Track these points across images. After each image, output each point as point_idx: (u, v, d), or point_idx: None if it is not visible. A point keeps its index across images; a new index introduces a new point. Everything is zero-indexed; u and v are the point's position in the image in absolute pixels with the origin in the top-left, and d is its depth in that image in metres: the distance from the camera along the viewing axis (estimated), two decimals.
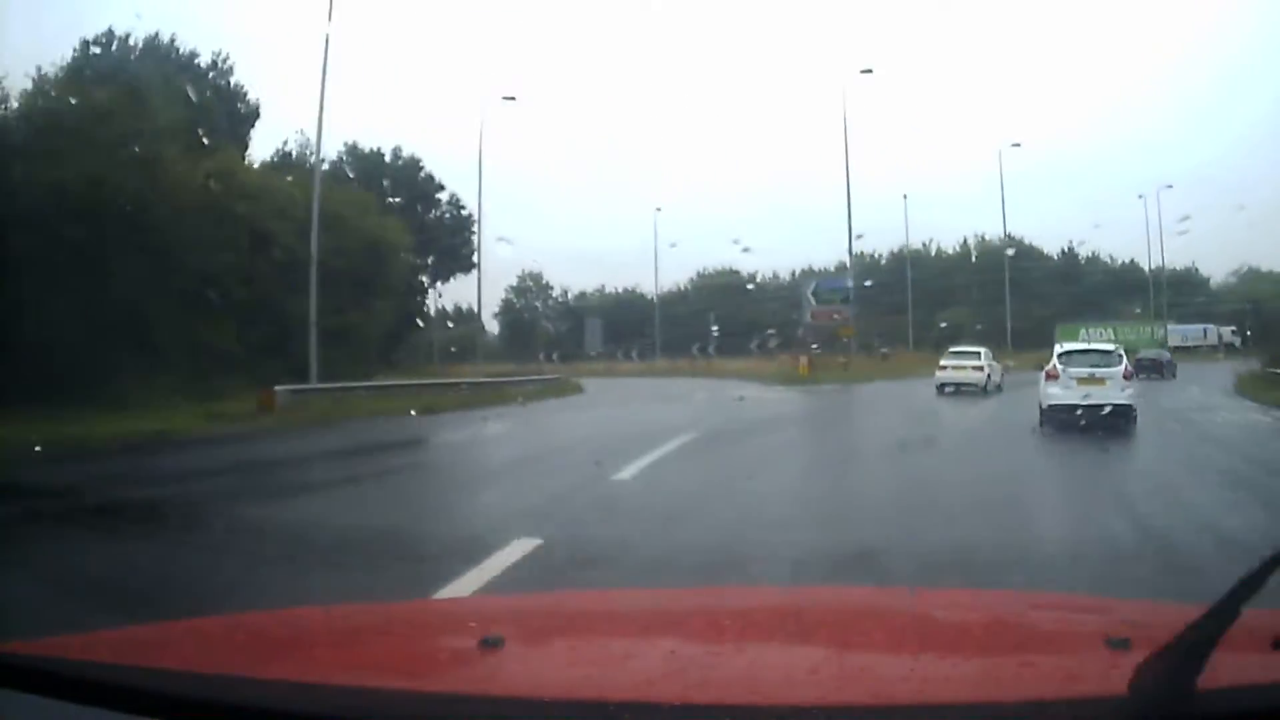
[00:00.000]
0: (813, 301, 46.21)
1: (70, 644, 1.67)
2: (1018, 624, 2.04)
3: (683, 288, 62.61)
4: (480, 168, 41.07)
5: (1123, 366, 14.84)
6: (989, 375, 25.77)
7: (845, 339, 42.90)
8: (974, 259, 60.78)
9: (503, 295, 60.98)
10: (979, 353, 26.94)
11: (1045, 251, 61.03)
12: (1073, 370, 14.74)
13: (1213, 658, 1.18)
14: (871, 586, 4.64)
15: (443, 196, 45.31)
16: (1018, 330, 46.70)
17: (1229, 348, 49.90)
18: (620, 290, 64.01)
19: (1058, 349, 16.62)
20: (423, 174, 45.18)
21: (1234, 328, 52.57)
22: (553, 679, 1.56)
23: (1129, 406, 14.27)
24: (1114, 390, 14.40)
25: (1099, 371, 14.72)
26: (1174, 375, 34.06)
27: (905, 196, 59.77)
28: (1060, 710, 1.24)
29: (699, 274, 63.23)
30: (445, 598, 4.41)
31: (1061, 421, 14.18)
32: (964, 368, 26.03)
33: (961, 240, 63.51)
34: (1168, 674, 1.18)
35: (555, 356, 49.18)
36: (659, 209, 61.52)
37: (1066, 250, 61.47)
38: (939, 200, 79.63)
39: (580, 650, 1.84)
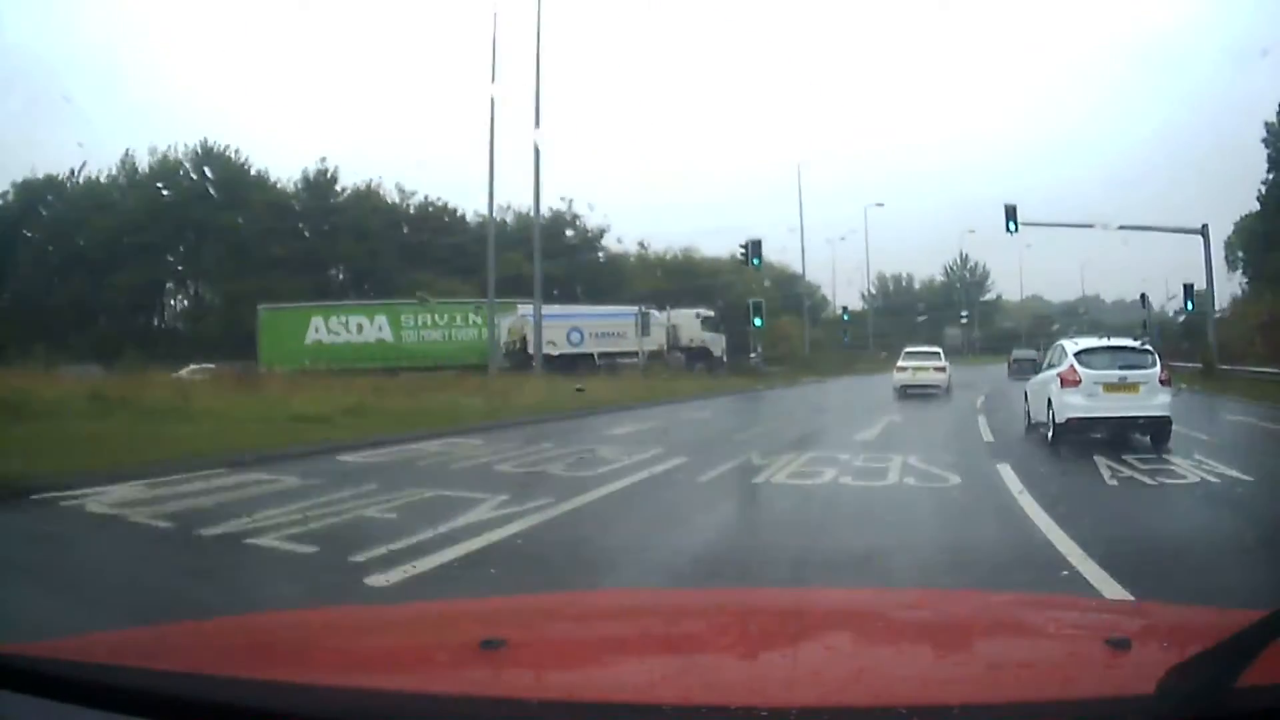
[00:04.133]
0: None
1: (69, 645, 1.67)
2: (1018, 624, 2.04)
3: None
4: None
5: (1158, 369, 12.20)
6: (949, 376, 24.84)
7: None
8: (169, 197, 40.25)
9: None
10: (938, 352, 26.32)
11: (382, 191, 43.22)
12: (1098, 374, 12.04)
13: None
14: (872, 587, 4.62)
15: None
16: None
17: (704, 356, 33.66)
18: None
19: (1071, 346, 12.92)
20: None
21: (704, 312, 34.46)
22: (554, 680, 1.56)
23: (1165, 419, 11.79)
24: (1148, 398, 11.85)
25: (1131, 375, 12.04)
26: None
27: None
28: (1060, 710, 1.24)
29: None
30: (445, 599, 4.40)
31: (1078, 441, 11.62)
32: (926, 369, 24.86)
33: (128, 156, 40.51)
34: (1200, 674, 1.16)
35: None
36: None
37: (386, 186, 41.66)
38: None
39: (582, 651, 1.84)
